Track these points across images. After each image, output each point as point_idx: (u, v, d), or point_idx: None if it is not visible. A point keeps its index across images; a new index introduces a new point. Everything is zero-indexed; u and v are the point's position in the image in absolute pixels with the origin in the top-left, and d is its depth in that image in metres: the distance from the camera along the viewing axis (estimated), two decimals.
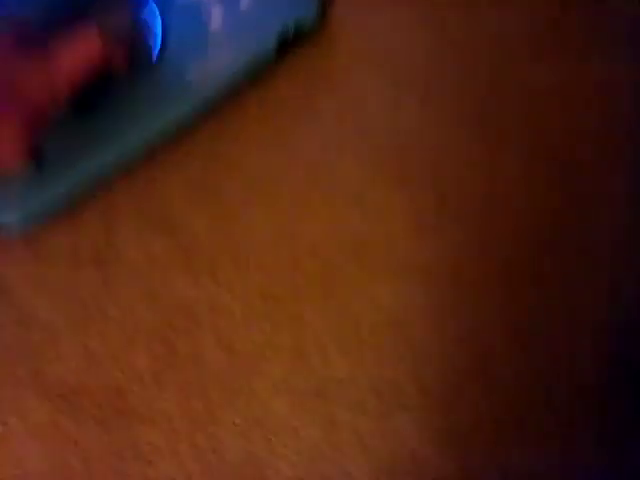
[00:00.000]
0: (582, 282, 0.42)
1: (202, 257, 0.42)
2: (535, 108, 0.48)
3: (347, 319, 0.40)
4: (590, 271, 0.42)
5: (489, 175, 0.45)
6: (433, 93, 0.48)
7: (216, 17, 0.46)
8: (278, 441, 0.36)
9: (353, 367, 0.39)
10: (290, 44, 0.46)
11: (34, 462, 0.35)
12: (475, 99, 0.48)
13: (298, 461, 0.36)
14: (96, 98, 0.41)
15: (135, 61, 0.41)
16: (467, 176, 0.45)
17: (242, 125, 0.46)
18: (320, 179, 0.45)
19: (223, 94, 0.45)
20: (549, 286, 0.42)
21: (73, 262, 0.41)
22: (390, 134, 0.47)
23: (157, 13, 0.43)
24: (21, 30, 0.36)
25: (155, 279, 0.41)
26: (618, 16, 0.51)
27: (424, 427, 0.37)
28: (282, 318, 0.40)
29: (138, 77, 0.43)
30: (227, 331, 0.39)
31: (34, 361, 0.38)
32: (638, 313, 0.40)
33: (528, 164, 0.45)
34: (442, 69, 0.49)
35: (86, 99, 0.40)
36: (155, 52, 0.44)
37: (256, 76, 0.46)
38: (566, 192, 0.45)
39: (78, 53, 0.37)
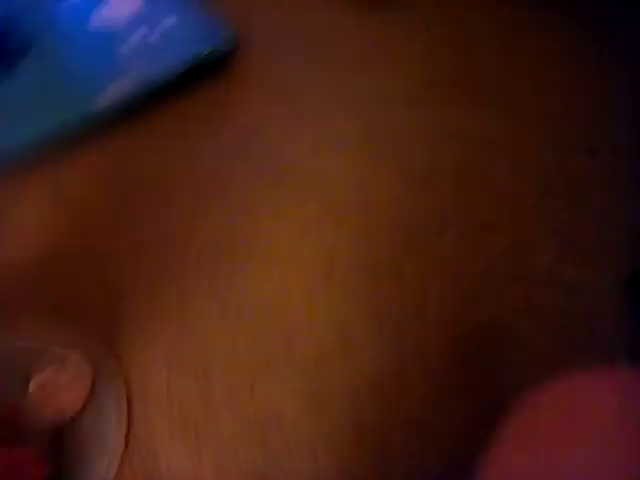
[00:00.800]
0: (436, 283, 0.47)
1: None
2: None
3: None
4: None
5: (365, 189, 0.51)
6: (323, 125, 0.53)
7: (128, 44, 0.52)
8: None
9: None
10: (196, 73, 0.53)
11: None
12: (357, 128, 0.54)
13: None
14: None
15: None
16: (348, 188, 0.51)
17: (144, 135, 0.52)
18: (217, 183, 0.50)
19: (119, 111, 0.51)
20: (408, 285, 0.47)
21: None
22: (278, 156, 0.52)
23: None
24: None
25: None
26: None
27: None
28: None
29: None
30: None
31: None
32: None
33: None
34: (337, 101, 0.55)
35: None
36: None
37: (159, 99, 0.52)
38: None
39: None
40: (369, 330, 0.44)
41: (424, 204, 0.49)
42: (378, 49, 0.59)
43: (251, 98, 0.55)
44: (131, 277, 0.47)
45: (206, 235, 0.49)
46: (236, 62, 0.56)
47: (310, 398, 0.42)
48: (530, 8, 0.59)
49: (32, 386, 0.39)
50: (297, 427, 0.41)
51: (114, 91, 0.50)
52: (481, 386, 0.41)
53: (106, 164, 0.51)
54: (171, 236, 0.48)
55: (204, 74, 0.54)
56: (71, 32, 0.53)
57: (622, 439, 0.29)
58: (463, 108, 0.53)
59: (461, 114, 0.53)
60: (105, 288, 0.46)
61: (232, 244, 0.48)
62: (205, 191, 0.51)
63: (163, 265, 0.47)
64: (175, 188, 0.51)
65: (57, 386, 0.40)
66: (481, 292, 0.45)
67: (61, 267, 0.47)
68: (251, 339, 0.44)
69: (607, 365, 0.34)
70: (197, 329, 0.45)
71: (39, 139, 0.49)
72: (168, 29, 0.53)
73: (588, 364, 0.31)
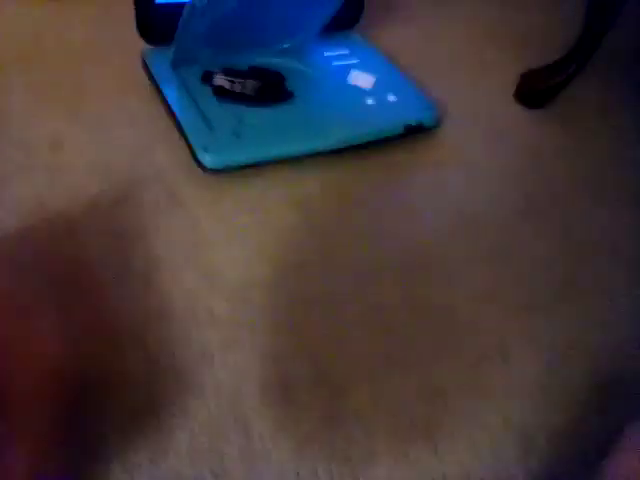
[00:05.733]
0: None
1: None
2: None
3: None
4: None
5: None
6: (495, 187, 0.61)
7: (372, 99, 0.69)
8: None
9: None
10: (412, 132, 0.67)
11: None
12: None
13: None
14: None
15: None
16: None
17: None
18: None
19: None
20: None
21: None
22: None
23: None
24: None
25: None
26: None
27: None
28: None
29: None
30: None
31: None
32: None
33: None
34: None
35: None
36: None
37: (385, 144, 0.65)
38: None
39: None
40: None
41: None
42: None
43: (440, 168, 0.66)
44: None
45: None
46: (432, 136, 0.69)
47: None
48: None
49: None
50: None
51: (348, 133, 0.64)
52: None
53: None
54: None
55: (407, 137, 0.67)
56: (332, 83, 0.71)
57: None
58: None
59: None
60: None
61: None
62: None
63: None
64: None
65: None
66: None
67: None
68: None
69: None
70: None
71: (281, 159, 0.62)
72: (396, 98, 0.69)
73: None
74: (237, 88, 0.63)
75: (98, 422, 0.41)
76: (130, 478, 0.39)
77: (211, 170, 0.58)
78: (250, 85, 0.64)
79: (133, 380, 0.44)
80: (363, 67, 0.72)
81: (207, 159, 0.57)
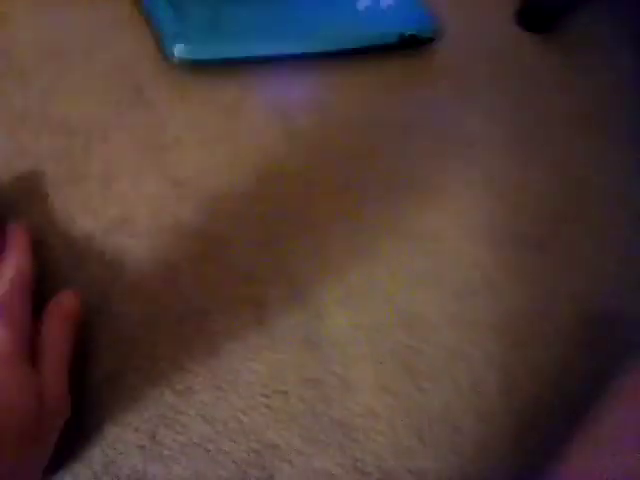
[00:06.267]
0: None
1: None
2: None
3: None
4: None
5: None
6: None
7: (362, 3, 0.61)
8: None
9: None
10: (406, 43, 0.61)
11: None
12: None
13: None
14: None
15: None
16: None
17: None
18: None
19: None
20: None
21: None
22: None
23: None
24: None
25: None
26: None
27: None
28: None
29: None
30: None
31: None
32: None
33: None
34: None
35: None
36: None
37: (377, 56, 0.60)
38: None
39: None
40: None
41: None
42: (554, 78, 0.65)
43: (436, 82, 0.61)
44: None
45: None
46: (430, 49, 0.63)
47: None
48: None
49: None
50: None
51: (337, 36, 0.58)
52: None
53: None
54: None
55: (404, 49, 0.61)
56: None
57: None
58: None
59: None
60: None
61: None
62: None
63: None
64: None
65: None
66: None
67: None
68: None
69: None
70: None
71: (260, 59, 0.55)
72: (392, 4, 0.63)
73: None
74: None
75: None
76: None
77: (180, 61, 0.51)
78: None
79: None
80: None
81: (177, 48, 0.50)
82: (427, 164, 0.54)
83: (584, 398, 0.40)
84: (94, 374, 0.37)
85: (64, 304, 0.36)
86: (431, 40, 0.62)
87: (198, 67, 0.52)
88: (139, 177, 0.45)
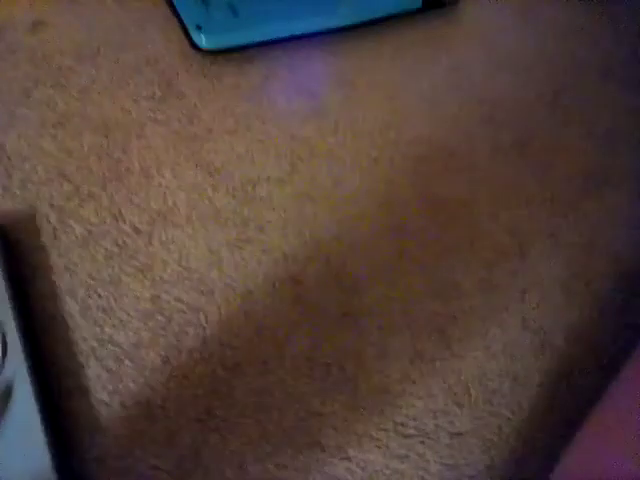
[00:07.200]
0: None
1: None
2: None
3: None
4: None
5: None
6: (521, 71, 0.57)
7: None
8: None
9: None
10: (431, 6, 0.60)
11: None
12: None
13: None
14: None
15: None
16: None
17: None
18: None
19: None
20: None
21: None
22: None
23: None
24: None
25: None
26: None
27: None
28: None
29: None
30: None
31: None
32: None
33: None
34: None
35: None
36: None
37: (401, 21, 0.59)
38: None
39: None
40: None
41: None
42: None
43: (462, 41, 0.60)
44: None
45: None
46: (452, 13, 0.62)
47: None
48: None
49: None
50: None
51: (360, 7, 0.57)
52: None
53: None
54: None
55: (427, 12, 0.60)
56: None
57: None
58: None
59: None
60: None
61: None
62: None
63: None
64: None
65: None
66: None
67: None
68: None
69: None
70: None
71: (283, 40, 0.56)
72: None
73: None
74: None
75: None
76: None
77: (207, 51, 0.53)
78: None
79: None
80: None
81: (202, 39, 0.52)
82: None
83: (617, 354, 0.41)
84: None
85: None
86: (456, 2, 0.61)
87: (225, 55, 0.54)
88: (176, 169, 0.48)
